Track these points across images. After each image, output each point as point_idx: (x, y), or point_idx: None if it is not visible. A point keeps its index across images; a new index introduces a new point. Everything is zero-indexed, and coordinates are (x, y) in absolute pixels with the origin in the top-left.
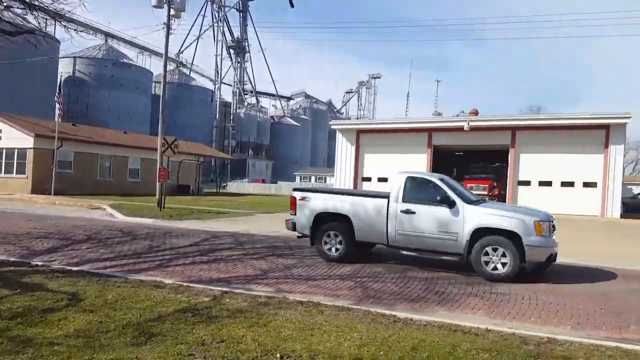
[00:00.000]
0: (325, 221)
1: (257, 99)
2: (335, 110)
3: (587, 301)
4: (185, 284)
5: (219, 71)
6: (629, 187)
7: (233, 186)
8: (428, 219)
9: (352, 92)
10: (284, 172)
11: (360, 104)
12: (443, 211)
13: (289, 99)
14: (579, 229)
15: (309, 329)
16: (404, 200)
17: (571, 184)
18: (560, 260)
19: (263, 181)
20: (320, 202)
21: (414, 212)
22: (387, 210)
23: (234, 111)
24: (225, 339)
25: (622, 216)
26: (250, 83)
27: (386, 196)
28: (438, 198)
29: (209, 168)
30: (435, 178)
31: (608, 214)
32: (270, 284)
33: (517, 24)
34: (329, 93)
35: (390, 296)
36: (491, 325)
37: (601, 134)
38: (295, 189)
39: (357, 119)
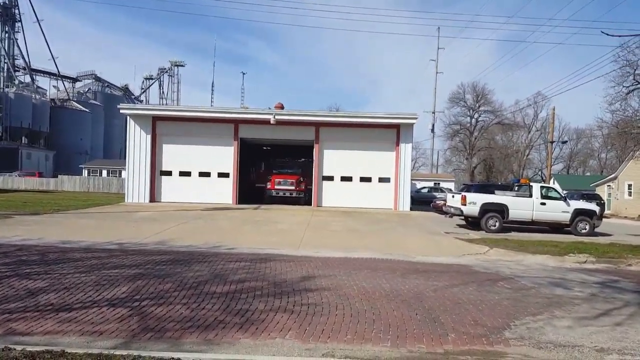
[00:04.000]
0: None
1: (32, 77)
2: (133, 96)
3: (401, 305)
4: None
5: None
6: (412, 182)
7: None
8: None
9: (152, 78)
10: (70, 165)
11: (162, 92)
12: None
13: (74, 80)
14: (378, 221)
15: None
16: None
17: (369, 180)
18: (373, 254)
19: (40, 175)
20: None
21: None
22: None
23: (1, 90)
24: None
25: (411, 208)
26: (23, 58)
27: None
28: None
29: None
30: None
31: (400, 207)
32: None
33: (313, 22)
34: (126, 78)
35: (177, 324)
36: (304, 354)
37: (393, 132)
38: None
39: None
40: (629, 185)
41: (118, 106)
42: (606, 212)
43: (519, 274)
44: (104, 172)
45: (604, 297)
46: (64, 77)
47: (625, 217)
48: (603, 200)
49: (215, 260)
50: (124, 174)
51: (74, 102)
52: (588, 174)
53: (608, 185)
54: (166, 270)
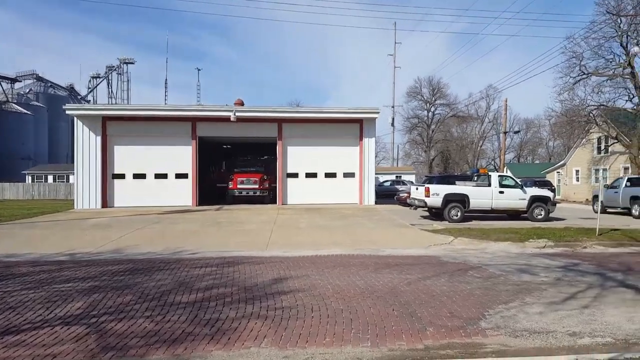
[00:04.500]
0: None
1: None
2: (79, 97)
3: (377, 302)
4: None
5: None
6: (375, 176)
7: None
8: None
9: (100, 77)
10: (12, 172)
11: (111, 91)
12: None
13: (13, 80)
14: (344, 216)
15: None
16: None
17: (334, 175)
18: (336, 251)
19: None
20: None
21: None
22: None
23: None
24: None
25: (375, 202)
26: None
27: None
28: None
29: None
30: None
31: (365, 201)
32: None
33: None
34: (71, 77)
35: (141, 340)
36: None
37: (356, 127)
38: None
39: None
40: (577, 171)
41: (64, 107)
42: (557, 197)
43: (485, 262)
44: (50, 178)
45: (568, 280)
46: (1, 78)
47: (574, 201)
48: (554, 186)
49: (178, 267)
50: (72, 179)
51: (13, 104)
52: (537, 161)
53: (557, 172)
54: (125, 281)
